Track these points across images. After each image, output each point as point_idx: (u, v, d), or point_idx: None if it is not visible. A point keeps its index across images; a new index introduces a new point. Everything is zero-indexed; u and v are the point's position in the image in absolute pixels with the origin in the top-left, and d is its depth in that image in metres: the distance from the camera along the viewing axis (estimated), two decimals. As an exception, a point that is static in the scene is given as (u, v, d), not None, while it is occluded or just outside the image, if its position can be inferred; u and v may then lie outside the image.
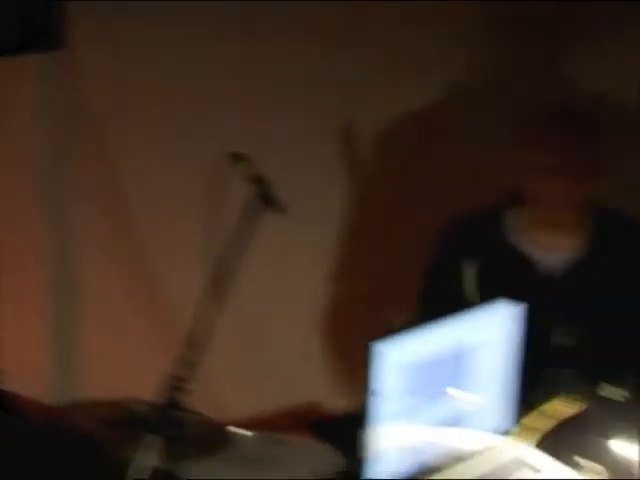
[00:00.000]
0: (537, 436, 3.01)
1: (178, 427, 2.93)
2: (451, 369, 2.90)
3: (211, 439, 3.28)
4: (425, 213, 4.32)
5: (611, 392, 2.99)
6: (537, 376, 3.30)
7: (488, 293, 3.00)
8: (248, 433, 3.47)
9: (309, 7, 4.39)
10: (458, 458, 2.89)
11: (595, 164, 3.64)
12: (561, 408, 3.05)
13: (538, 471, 2.89)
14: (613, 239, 3.77)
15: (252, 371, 4.37)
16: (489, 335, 2.97)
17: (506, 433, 3.03)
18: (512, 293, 3.01)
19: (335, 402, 4.32)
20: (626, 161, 4.34)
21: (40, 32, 4.51)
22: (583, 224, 3.77)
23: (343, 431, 3.03)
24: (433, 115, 4.64)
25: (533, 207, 3.74)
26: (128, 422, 3.16)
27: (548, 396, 3.14)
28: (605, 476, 2.87)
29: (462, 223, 3.94)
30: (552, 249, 3.77)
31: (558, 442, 3.00)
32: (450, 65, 4.61)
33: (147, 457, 2.94)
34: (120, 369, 3.90)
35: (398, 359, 2.72)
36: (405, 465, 2.79)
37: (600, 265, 3.75)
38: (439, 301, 3.50)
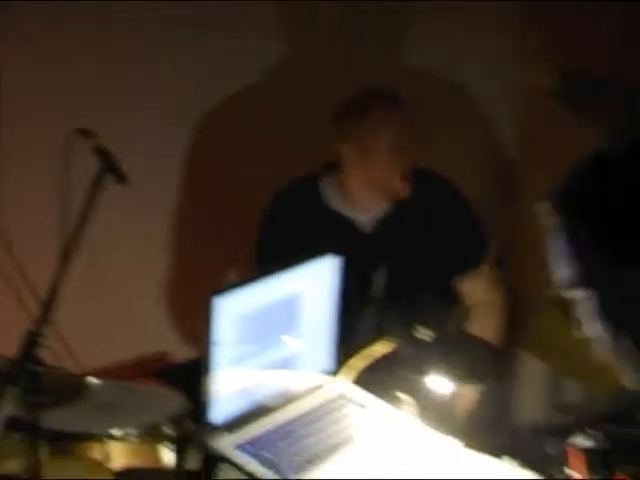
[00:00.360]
0: (357, 375, 3.06)
1: (35, 379, 2.92)
2: (281, 318, 2.94)
3: (66, 389, 3.25)
4: (256, 185, 4.42)
5: (421, 333, 3.09)
6: (358, 321, 3.41)
7: (311, 250, 3.02)
8: (100, 382, 3.49)
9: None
10: (289, 397, 2.95)
11: (407, 139, 3.83)
12: (378, 349, 3.05)
13: (362, 406, 2.97)
14: (419, 196, 3.90)
15: (103, 325, 4.34)
16: (313, 286, 3.02)
17: (331, 373, 3.08)
18: (332, 249, 3.07)
19: (180, 352, 4.38)
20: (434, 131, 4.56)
21: None
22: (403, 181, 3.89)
23: (188, 377, 3.00)
24: (258, 99, 4.74)
25: (346, 174, 3.91)
26: None
27: (368, 339, 3.16)
28: (417, 409, 2.96)
29: (282, 192, 4.10)
30: (364, 209, 3.93)
31: (376, 379, 3.06)
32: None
33: (6, 408, 2.99)
34: None
35: (234, 311, 2.76)
36: (242, 405, 2.85)
37: (407, 220, 3.90)
38: (270, 262, 3.46)
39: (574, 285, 1.84)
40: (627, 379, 1.91)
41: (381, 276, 3.71)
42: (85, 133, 3.01)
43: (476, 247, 4.00)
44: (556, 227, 1.83)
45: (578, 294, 1.85)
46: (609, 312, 1.82)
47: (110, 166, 3.01)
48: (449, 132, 4.74)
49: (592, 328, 1.87)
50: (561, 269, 1.86)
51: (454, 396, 3.17)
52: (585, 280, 1.82)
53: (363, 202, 3.94)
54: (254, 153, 4.66)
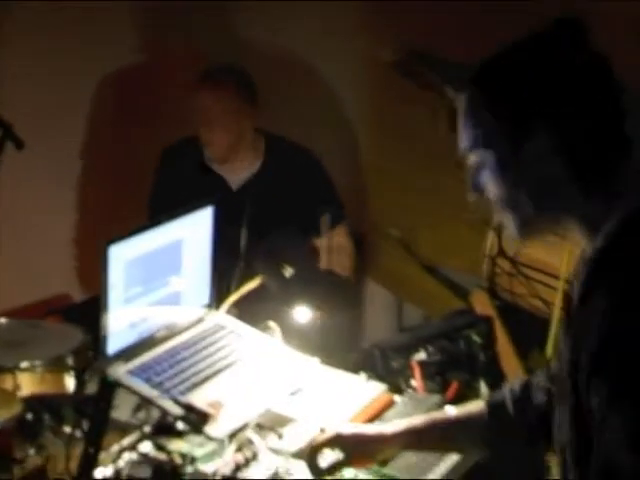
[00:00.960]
0: (232, 307, 3.12)
1: None
2: (166, 261, 2.96)
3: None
4: (149, 146, 4.41)
5: (285, 271, 3.13)
6: (234, 264, 3.47)
7: (191, 202, 3.06)
8: (8, 321, 3.46)
9: None
10: (174, 329, 2.99)
11: (238, 103, 3.95)
12: (250, 285, 3.12)
13: (238, 334, 3.01)
14: (278, 159, 4.03)
15: (11, 271, 4.24)
16: (193, 233, 3.04)
17: (210, 307, 3.12)
18: (208, 202, 3.10)
19: (80, 293, 4.38)
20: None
21: None
22: (255, 149, 4.05)
23: (87, 315, 3.04)
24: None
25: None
26: None
27: (245, 278, 3.23)
28: (283, 334, 3.01)
29: (168, 149, 4.15)
30: (234, 169, 4.03)
31: (249, 311, 3.14)
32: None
33: None
34: None
35: (125, 256, 2.78)
36: (133, 337, 2.89)
37: (268, 179, 4.00)
38: (159, 212, 3.44)
39: (475, 147, 1.85)
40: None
41: (250, 227, 3.75)
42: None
43: (332, 207, 3.97)
44: (466, 100, 1.83)
45: (477, 156, 1.85)
46: (504, 173, 1.83)
47: (9, 133, 3.03)
48: (305, 106, 4.74)
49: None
50: (466, 132, 1.85)
51: (315, 322, 3.16)
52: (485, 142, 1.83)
53: (232, 162, 4.04)
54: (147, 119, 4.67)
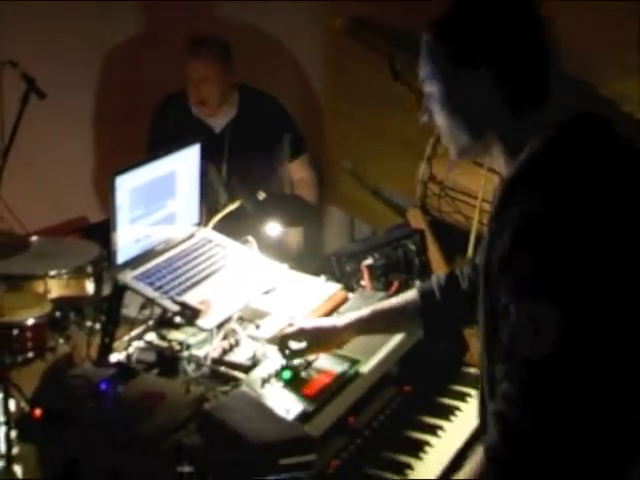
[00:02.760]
0: (217, 224, 3.07)
1: None
2: (163, 188, 2.91)
3: (14, 244, 3.28)
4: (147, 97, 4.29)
5: (259, 195, 3.10)
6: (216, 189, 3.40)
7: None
8: (39, 238, 3.46)
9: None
10: (171, 242, 2.95)
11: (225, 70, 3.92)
12: (231, 206, 3.06)
13: (222, 246, 2.97)
14: (249, 105, 4.01)
15: (40, 199, 4.15)
16: (184, 165, 2.99)
17: (199, 225, 3.07)
18: (196, 141, 3.04)
19: (97, 215, 4.25)
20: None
21: None
22: (232, 99, 4.02)
23: (102, 233, 2.99)
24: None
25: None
26: None
27: (223, 200, 3.22)
28: (258, 246, 2.97)
29: (161, 101, 4.12)
30: (215, 115, 4.00)
31: (230, 227, 3.06)
32: None
33: None
34: None
35: (129, 185, 2.74)
36: (138, 250, 2.85)
37: (243, 121, 3.97)
38: (154, 150, 3.46)
39: (427, 79, 1.80)
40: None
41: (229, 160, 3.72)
42: (12, 64, 2.95)
43: (295, 142, 4.05)
44: (423, 41, 1.79)
45: (429, 86, 1.81)
46: (447, 103, 1.79)
47: (33, 87, 2.96)
48: (271, 63, 4.69)
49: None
50: (423, 66, 1.81)
51: (285, 236, 3.17)
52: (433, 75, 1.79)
53: (213, 110, 4.00)
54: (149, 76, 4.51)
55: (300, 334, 2.34)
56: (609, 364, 1.61)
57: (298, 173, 4.02)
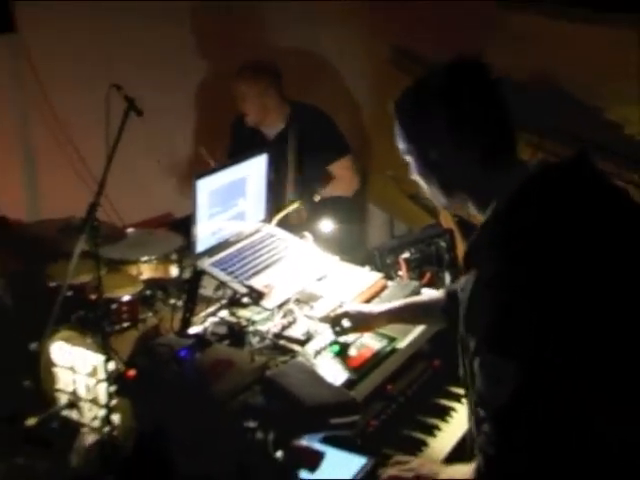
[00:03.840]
0: (280, 221, 3.07)
1: (95, 229, 2.92)
2: (236, 190, 2.92)
3: (114, 234, 3.31)
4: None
5: (315, 197, 3.09)
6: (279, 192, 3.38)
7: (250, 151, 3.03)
8: (133, 230, 3.49)
9: None
10: (241, 235, 2.95)
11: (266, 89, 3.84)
12: (291, 207, 3.11)
13: (284, 240, 2.96)
14: (299, 117, 3.92)
15: (135, 196, 4.16)
16: (253, 171, 2.99)
17: (265, 221, 3.06)
18: (263, 151, 3.04)
19: (181, 211, 4.14)
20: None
21: None
22: (283, 111, 3.93)
23: (184, 226, 2.99)
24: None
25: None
26: (70, 228, 3.18)
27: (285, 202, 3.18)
28: (312, 240, 2.97)
29: (236, 117, 4.06)
30: (269, 126, 3.95)
31: (290, 225, 3.12)
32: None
33: (80, 245, 2.97)
34: (64, 200, 3.77)
35: (208, 187, 2.76)
36: (214, 241, 2.86)
37: (293, 132, 3.89)
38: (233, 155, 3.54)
39: (403, 154, 1.79)
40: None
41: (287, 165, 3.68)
42: (117, 87, 2.97)
43: (337, 145, 3.95)
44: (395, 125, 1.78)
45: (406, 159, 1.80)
46: (421, 172, 1.77)
47: (132, 105, 2.98)
48: (323, 90, 4.61)
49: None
50: (399, 143, 1.80)
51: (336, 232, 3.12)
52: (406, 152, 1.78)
53: (267, 122, 3.95)
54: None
55: (346, 316, 2.36)
56: (560, 407, 1.54)
57: (339, 171, 3.94)
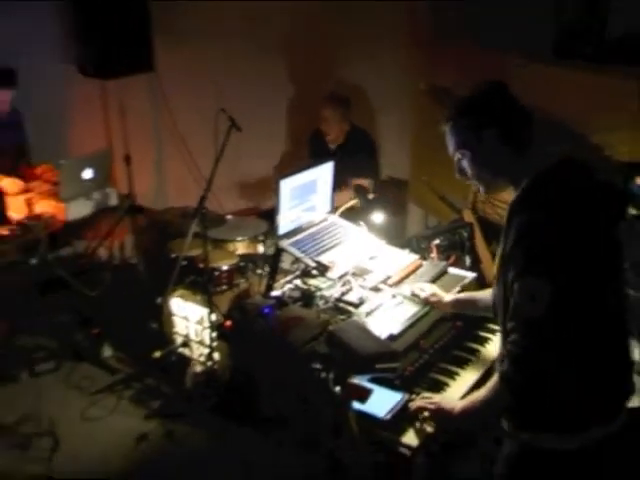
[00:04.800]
0: (341, 213, 3.00)
1: (204, 216, 2.88)
2: (309, 188, 2.88)
3: (216, 221, 3.31)
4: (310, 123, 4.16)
5: (368, 195, 3.05)
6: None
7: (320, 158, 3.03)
8: (231, 217, 3.52)
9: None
10: (312, 222, 2.90)
11: (342, 114, 3.86)
12: (351, 202, 3.00)
13: (345, 227, 2.91)
14: (352, 135, 3.90)
15: (233, 191, 4.22)
16: (321, 174, 2.94)
17: (330, 212, 3.01)
18: (329, 160, 3.02)
19: (268, 203, 4.20)
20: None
21: (141, 60, 3.83)
22: (345, 131, 3.90)
23: (269, 215, 3.01)
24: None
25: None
26: (186, 215, 3.22)
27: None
28: (366, 228, 2.90)
29: (312, 132, 4.02)
30: (332, 142, 3.93)
31: (350, 215, 2.99)
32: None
33: (192, 226, 2.94)
34: (183, 194, 3.82)
35: (289, 185, 2.74)
36: (292, 226, 2.81)
37: (346, 148, 3.87)
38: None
39: (456, 149, 1.79)
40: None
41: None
42: (223, 110, 2.98)
43: (367, 170, 3.87)
44: (449, 123, 1.79)
45: (458, 154, 1.79)
46: (473, 161, 1.77)
47: (233, 123, 3.00)
48: (378, 114, 4.59)
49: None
50: (451, 141, 1.80)
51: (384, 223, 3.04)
52: (460, 145, 1.78)
53: (330, 138, 3.93)
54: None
55: (433, 294, 2.35)
56: (579, 314, 1.63)
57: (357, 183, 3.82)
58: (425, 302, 2.34)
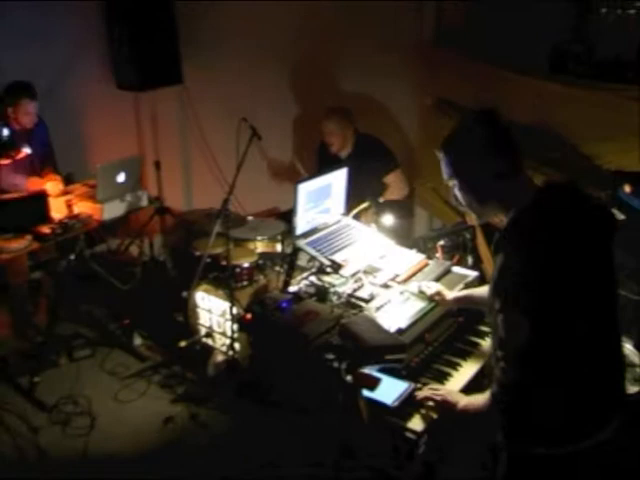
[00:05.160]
0: (355, 214, 2.95)
1: (227, 217, 2.91)
2: (324, 192, 2.88)
3: (238, 221, 3.31)
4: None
5: (379, 199, 3.04)
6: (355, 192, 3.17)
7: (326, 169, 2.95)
8: (252, 218, 3.51)
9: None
10: (326, 224, 2.88)
11: (342, 125, 3.66)
12: (363, 205, 2.97)
13: (358, 228, 2.89)
14: (360, 142, 3.74)
15: (255, 195, 4.06)
16: (336, 179, 2.94)
17: (343, 215, 2.99)
18: (344, 167, 2.98)
19: (286, 205, 4.26)
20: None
21: (171, 74, 3.83)
22: (351, 140, 3.72)
23: (287, 217, 3.03)
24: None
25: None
26: (210, 216, 3.22)
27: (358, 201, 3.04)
28: (376, 229, 2.87)
29: (319, 143, 3.84)
30: (340, 151, 3.72)
31: (361, 217, 2.99)
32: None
33: (216, 225, 2.91)
34: (208, 196, 3.80)
35: (305, 189, 2.75)
36: (308, 227, 2.81)
37: (357, 155, 3.69)
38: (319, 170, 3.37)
39: (448, 178, 1.73)
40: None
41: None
42: (244, 119, 2.98)
43: (389, 163, 3.73)
44: (441, 156, 1.73)
45: (450, 182, 1.73)
46: (464, 190, 1.70)
47: (255, 132, 2.99)
48: (384, 122, 4.47)
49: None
50: (444, 170, 1.74)
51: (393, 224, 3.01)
52: (451, 176, 1.72)
53: (337, 148, 3.74)
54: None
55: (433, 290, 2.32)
56: (561, 343, 1.58)
57: (391, 181, 3.72)
58: (430, 299, 2.31)
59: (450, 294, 2.30)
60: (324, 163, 3.71)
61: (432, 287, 2.35)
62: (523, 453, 1.66)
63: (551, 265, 1.53)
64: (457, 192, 1.71)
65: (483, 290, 2.15)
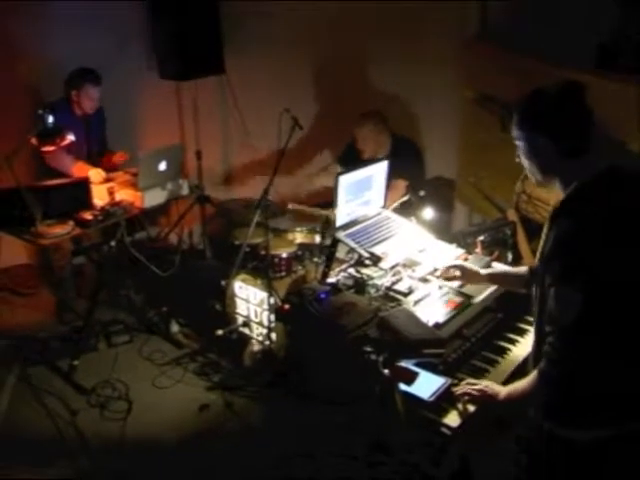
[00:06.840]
0: (394, 208, 2.97)
1: (266, 207, 2.95)
2: (365, 184, 2.87)
3: (277, 212, 3.36)
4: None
5: (420, 193, 3.03)
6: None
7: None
8: (291, 205, 3.48)
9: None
10: (366, 216, 2.89)
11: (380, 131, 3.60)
12: (403, 199, 2.99)
13: (397, 221, 2.89)
14: (397, 146, 3.67)
15: (292, 185, 4.04)
16: (377, 172, 2.92)
17: (383, 207, 2.98)
18: (385, 159, 2.96)
19: (320, 200, 4.20)
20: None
21: (212, 63, 3.91)
22: (387, 142, 3.67)
23: (327, 208, 3.03)
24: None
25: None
26: (250, 206, 3.24)
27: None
28: (416, 223, 2.87)
29: (349, 142, 3.76)
30: (373, 156, 3.59)
31: (402, 211, 2.98)
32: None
33: (255, 215, 2.97)
34: (247, 186, 3.81)
35: (347, 181, 2.74)
36: (348, 219, 2.81)
37: (394, 156, 3.43)
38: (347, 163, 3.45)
39: (516, 140, 1.72)
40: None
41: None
42: (286, 110, 3.00)
43: (407, 170, 3.57)
44: (513, 119, 1.71)
45: (517, 143, 1.73)
46: (528, 155, 1.71)
47: (296, 122, 3.01)
48: (424, 117, 4.44)
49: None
50: (513, 133, 1.73)
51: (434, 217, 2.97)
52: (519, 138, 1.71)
53: (370, 153, 3.64)
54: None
55: (458, 268, 2.31)
56: (612, 321, 1.59)
57: (395, 184, 3.45)
58: (447, 279, 2.30)
59: (482, 270, 2.28)
60: (351, 160, 3.62)
61: (448, 264, 2.33)
62: (562, 436, 1.67)
63: (608, 241, 1.56)
64: (520, 154, 1.72)
65: (520, 270, 2.14)
